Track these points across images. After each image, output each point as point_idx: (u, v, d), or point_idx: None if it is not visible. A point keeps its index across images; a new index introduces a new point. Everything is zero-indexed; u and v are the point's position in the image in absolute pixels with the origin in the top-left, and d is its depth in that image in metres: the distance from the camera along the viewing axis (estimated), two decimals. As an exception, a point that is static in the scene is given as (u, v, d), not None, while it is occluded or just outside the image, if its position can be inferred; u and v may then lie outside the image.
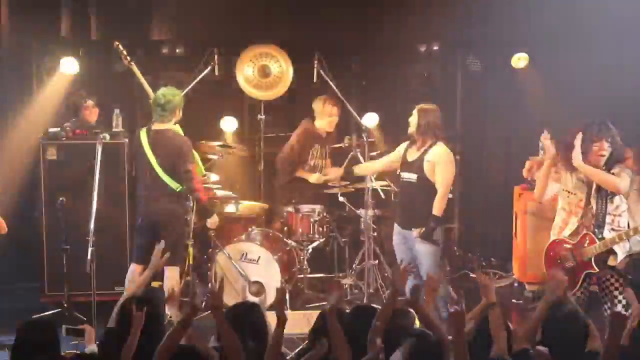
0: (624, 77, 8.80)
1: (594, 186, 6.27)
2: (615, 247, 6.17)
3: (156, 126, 7.59)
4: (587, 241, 6.24)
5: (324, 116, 8.87)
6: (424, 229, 7.13)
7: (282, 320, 4.79)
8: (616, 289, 6.21)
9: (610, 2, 8.49)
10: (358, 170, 7.79)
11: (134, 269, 7.57)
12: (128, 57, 8.08)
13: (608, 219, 6.23)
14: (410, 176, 7.25)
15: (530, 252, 8.78)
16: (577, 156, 6.24)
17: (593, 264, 6.22)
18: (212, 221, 7.84)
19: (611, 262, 6.16)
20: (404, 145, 7.38)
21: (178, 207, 7.68)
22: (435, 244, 7.18)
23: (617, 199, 6.23)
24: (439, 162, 7.18)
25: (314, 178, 8.80)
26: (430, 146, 7.20)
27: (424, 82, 9.46)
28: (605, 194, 6.23)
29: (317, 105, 8.89)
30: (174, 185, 7.51)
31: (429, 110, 7.29)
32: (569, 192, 6.45)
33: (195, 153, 7.84)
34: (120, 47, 8.06)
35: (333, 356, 4.65)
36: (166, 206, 7.55)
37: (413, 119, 7.25)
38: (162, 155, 7.49)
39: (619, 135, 6.26)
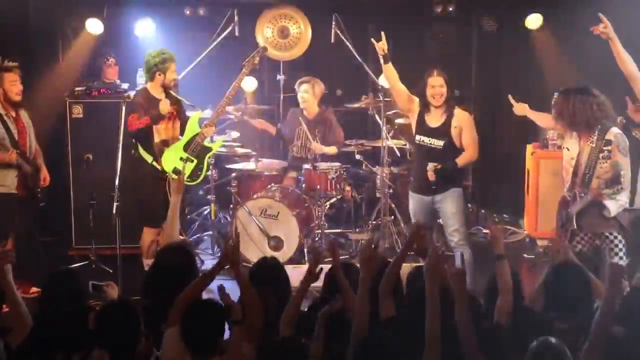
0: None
1: (586, 147, 6.26)
2: (607, 202, 6.17)
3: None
4: (576, 198, 6.28)
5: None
6: (440, 165, 6.94)
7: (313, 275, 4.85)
8: (616, 245, 6.21)
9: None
10: (385, 69, 7.20)
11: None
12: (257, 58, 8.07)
13: (594, 181, 6.20)
14: (436, 142, 7.04)
15: (542, 208, 8.79)
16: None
17: (574, 221, 6.24)
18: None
19: (606, 214, 6.13)
20: (417, 103, 7.13)
21: (137, 167, 7.54)
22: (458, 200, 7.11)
23: (610, 162, 6.21)
24: (466, 127, 7.07)
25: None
26: (452, 112, 7.07)
27: (440, 42, 9.40)
28: (596, 156, 6.20)
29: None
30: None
31: (444, 72, 7.12)
32: (567, 148, 6.47)
33: (192, 115, 7.71)
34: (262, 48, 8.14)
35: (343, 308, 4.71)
36: (130, 165, 7.50)
37: (443, 89, 7.01)
38: None
39: (597, 100, 6.22)
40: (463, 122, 7.07)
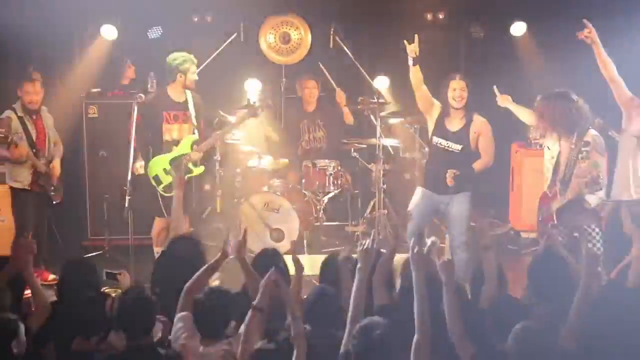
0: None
1: (565, 147, 6.35)
2: (587, 197, 6.23)
3: None
4: (556, 195, 6.37)
5: (302, 91, 8.96)
6: (458, 171, 6.83)
7: (299, 266, 4.93)
8: (593, 237, 6.28)
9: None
10: (413, 71, 6.97)
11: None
12: None
13: (574, 180, 6.28)
14: (453, 145, 6.94)
15: (525, 203, 8.84)
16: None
17: (554, 216, 6.32)
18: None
19: (586, 205, 6.24)
20: (437, 107, 7.02)
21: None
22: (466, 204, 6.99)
23: (589, 162, 6.28)
24: (484, 133, 6.96)
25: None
26: (471, 117, 6.96)
27: (431, 47, 9.40)
28: (575, 157, 6.28)
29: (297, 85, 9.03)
30: None
31: (464, 76, 7.06)
32: (547, 147, 6.53)
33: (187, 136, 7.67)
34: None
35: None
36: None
37: (464, 92, 6.90)
38: None
39: (576, 105, 6.29)
40: (481, 129, 6.96)
